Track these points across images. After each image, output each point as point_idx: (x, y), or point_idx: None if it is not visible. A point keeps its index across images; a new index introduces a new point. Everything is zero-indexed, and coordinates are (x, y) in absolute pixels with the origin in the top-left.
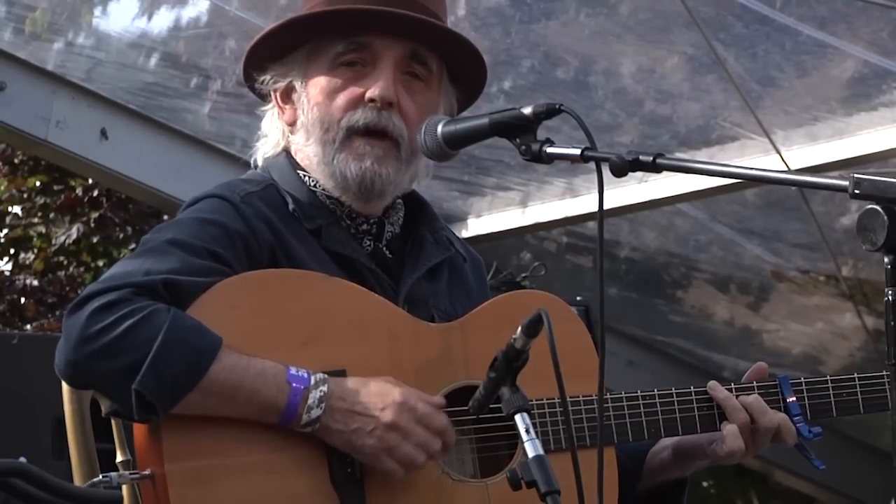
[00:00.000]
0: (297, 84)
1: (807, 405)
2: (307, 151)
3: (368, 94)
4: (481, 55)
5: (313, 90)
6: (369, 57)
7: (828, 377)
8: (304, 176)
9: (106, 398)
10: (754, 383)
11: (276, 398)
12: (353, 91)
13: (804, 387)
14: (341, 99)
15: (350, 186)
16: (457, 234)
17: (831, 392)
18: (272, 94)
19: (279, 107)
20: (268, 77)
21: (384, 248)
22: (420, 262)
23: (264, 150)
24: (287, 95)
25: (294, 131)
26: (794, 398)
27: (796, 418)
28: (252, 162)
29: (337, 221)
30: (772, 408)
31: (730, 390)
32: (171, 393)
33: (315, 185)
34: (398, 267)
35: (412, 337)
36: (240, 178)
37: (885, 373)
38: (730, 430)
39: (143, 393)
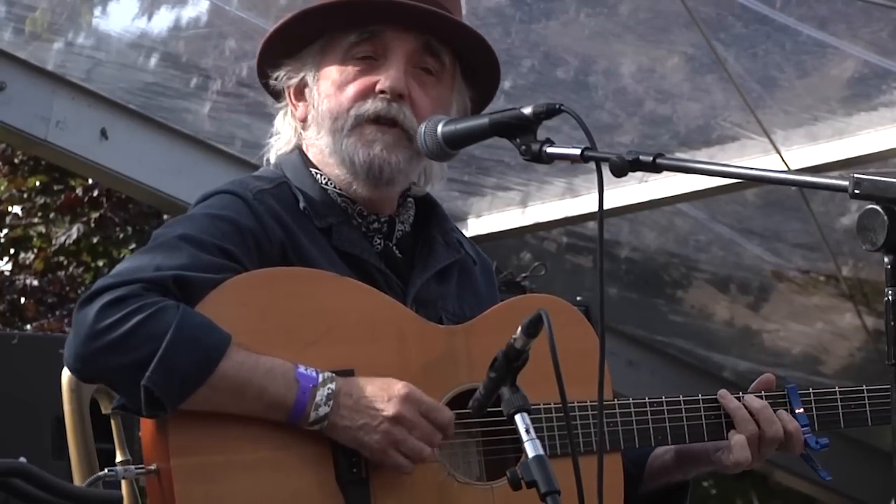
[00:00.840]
0: (310, 78)
1: (815, 416)
2: (319, 145)
3: (379, 86)
4: (493, 51)
5: (324, 83)
6: (381, 48)
7: (836, 388)
8: (317, 174)
9: (115, 393)
10: (762, 393)
11: (284, 396)
12: (364, 82)
13: (812, 398)
14: (352, 90)
15: (358, 172)
16: None
17: (839, 403)
18: (286, 90)
19: (292, 104)
20: (282, 73)
21: (394, 248)
22: (430, 263)
23: (277, 147)
24: (300, 92)
25: (306, 127)
26: (802, 409)
27: (804, 429)
28: (265, 160)
29: (348, 220)
30: None
31: (738, 399)
32: (180, 389)
33: (327, 183)
34: (408, 267)
35: (420, 338)
36: (252, 175)
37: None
38: (738, 440)
39: (151, 389)
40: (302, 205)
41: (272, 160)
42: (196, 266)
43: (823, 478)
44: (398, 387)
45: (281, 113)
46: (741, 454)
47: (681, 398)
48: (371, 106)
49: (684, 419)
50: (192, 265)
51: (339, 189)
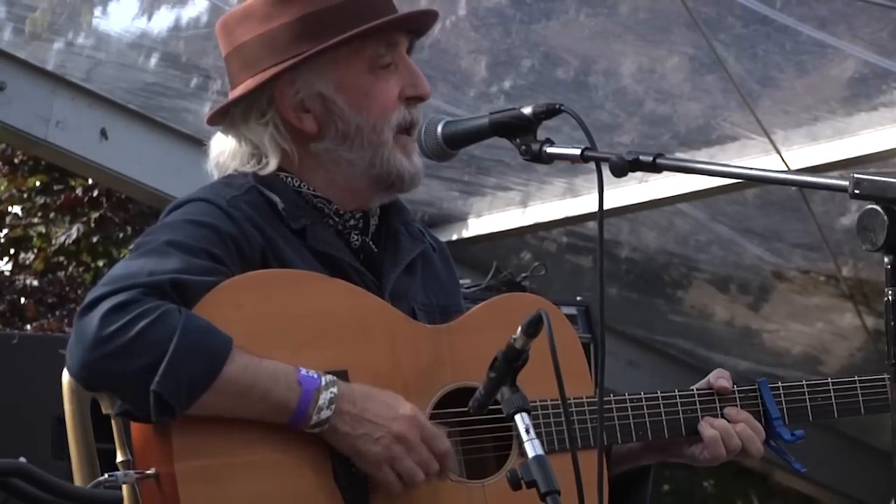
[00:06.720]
0: (326, 90)
1: (784, 409)
2: (335, 156)
3: (412, 91)
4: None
5: (353, 94)
6: (394, 56)
7: (803, 382)
8: (286, 177)
9: (120, 399)
10: (735, 388)
11: (287, 398)
12: (393, 90)
13: (781, 391)
14: (385, 98)
15: (403, 183)
16: (457, 234)
17: (807, 397)
18: (274, 103)
19: (290, 116)
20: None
21: (370, 242)
22: (399, 256)
23: (253, 164)
24: (299, 103)
25: (320, 136)
26: (774, 401)
27: (776, 421)
28: (212, 169)
29: (322, 220)
30: (750, 411)
31: (711, 398)
32: (188, 393)
33: (299, 185)
34: (380, 262)
35: (409, 338)
36: (220, 182)
37: (856, 377)
38: (711, 435)
39: (161, 394)
40: (281, 206)
41: (224, 171)
42: (189, 269)
43: (798, 469)
44: (406, 407)
45: (267, 131)
46: (716, 450)
47: (658, 394)
48: (406, 114)
49: (662, 414)
50: (185, 269)
51: (314, 190)
